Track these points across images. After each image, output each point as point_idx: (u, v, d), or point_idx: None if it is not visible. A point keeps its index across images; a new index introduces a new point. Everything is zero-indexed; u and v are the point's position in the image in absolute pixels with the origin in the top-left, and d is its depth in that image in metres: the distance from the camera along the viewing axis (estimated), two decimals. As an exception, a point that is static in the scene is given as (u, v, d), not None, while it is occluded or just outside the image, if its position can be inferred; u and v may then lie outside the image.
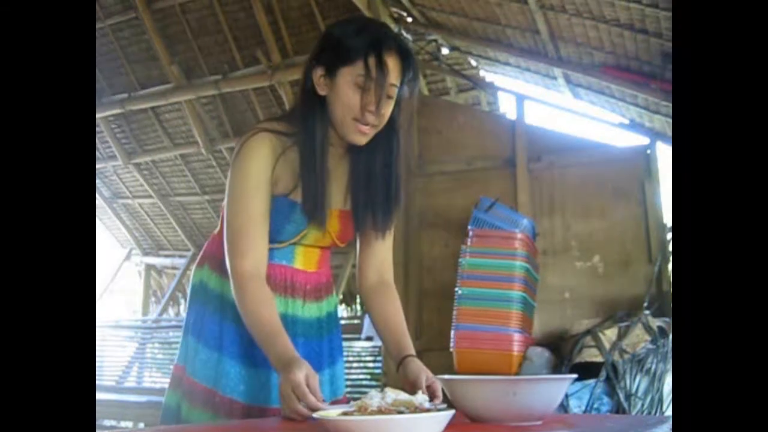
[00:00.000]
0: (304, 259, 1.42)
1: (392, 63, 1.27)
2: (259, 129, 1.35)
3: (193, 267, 1.49)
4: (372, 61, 1.25)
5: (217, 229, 1.46)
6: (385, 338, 1.44)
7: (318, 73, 1.31)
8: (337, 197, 1.40)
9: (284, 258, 1.40)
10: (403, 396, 0.92)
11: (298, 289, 1.41)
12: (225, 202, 1.35)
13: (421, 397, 0.92)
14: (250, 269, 1.28)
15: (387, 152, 1.40)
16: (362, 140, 1.32)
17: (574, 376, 1.12)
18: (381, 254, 1.51)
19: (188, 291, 1.49)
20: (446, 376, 1.02)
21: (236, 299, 1.28)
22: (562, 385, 1.00)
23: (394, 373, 1.38)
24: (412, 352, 1.37)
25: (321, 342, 1.45)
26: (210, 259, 1.44)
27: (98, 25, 5.62)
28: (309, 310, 1.43)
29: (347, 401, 1.37)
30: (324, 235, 1.39)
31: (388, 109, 1.31)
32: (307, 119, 1.33)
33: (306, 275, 1.43)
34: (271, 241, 1.35)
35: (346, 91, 1.28)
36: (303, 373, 1.10)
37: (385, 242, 1.50)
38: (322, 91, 1.32)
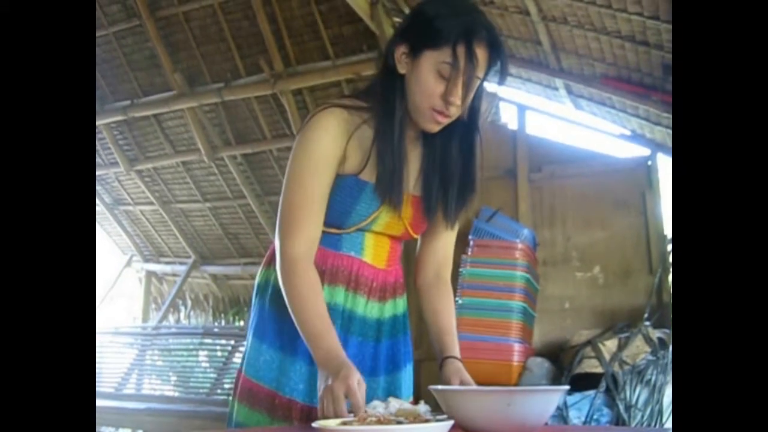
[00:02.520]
0: (373, 252, 1.34)
1: (481, 54, 1.19)
2: (331, 104, 1.27)
3: (259, 269, 1.41)
4: (461, 50, 1.16)
5: None
6: (432, 335, 1.37)
7: (401, 50, 1.24)
8: (410, 181, 1.32)
9: (353, 248, 1.31)
10: (407, 406, 0.92)
11: (363, 284, 1.32)
12: (284, 181, 1.27)
13: (423, 407, 0.92)
14: (299, 251, 1.21)
15: (465, 142, 1.33)
16: (435, 129, 1.25)
17: (567, 387, 1.12)
18: (444, 249, 1.44)
19: (253, 294, 1.41)
20: (439, 387, 1.02)
21: (282, 282, 1.21)
22: (556, 395, 1.00)
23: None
24: (454, 353, 1.31)
25: (378, 345, 1.35)
26: (275, 256, 1.35)
27: (102, 33, 5.64)
28: (371, 310, 1.34)
29: None
30: (397, 221, 1.31)
31: (467, 102, 1.24)
32: (387, 94, 1.25)
33: (374, 271, 1.34)
34: (340, 225, 1.28)
35: (427, 76, 1.19)
36: (348, 381, 1.02)
37: (450, 237, 1.44)
38: (402, 70, 1.24)
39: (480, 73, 1.20)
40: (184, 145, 6.38)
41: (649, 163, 3.74)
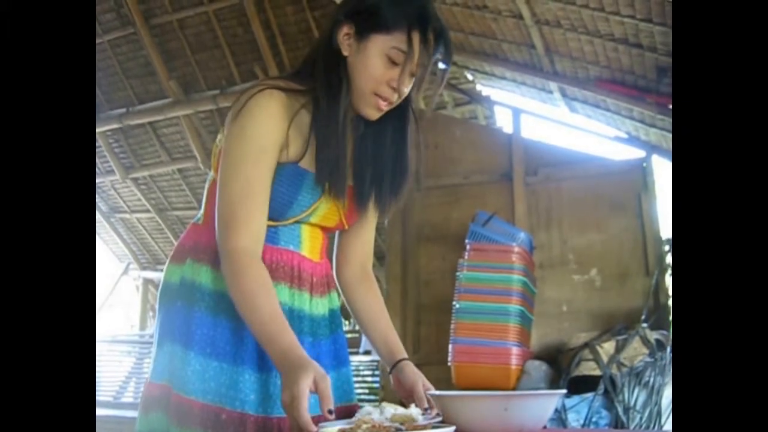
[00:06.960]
0: (310, 245, 1.26)
1: (432, 41, 1.16)
2: (267, 85, 1.16)
3: (166, 265, 1.27)
4: (416, 37, 1.13)
5: (200, 213, 1.27)
6: (375, 339, 1.33)
7: (344, 31, 1.17)
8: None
9: (291, 242, 1.23)
10: (401, 411, 0.92)
11: (305, 280, 1.25)
12: (219, 170, 1.16)
13: (416, 410, 0.92)
14: (246, 245, 1.11)
15: (399, 125, 1.27)
16: (375, 116, 1.20)
17: (564, 390, 1.12)
18: (369, 240, 1.38)
19: (158, 293, 1.27)
20: (437, 392, 1.02)
21: (229, 281, 1.10)
22: (553, 399, 1.00)
23: (391, 388, 1.34)
24: (405, 355, 1.28)
25: (327, 341, 1.29)
26: (194, 252, 1.22)
27: (97, 41, 5.65)
28: (316, 306, 1.27)
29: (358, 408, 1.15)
30: (334, 212, 1.24)
31: (410, 86, 1.19)
32: (331, 77, 1.18)
33: (312, 265, 1.27)
34: (278, 217, 1.19)
35: (375, 61, 1.14)
36: (307, 380, 0.93)
37: (373, 227, 1.38)
38: (345, 52, 1.17)
39: (426, 60, 1.17)
40: (180, 153, 6.38)
41: (645, 165, 3.75)
